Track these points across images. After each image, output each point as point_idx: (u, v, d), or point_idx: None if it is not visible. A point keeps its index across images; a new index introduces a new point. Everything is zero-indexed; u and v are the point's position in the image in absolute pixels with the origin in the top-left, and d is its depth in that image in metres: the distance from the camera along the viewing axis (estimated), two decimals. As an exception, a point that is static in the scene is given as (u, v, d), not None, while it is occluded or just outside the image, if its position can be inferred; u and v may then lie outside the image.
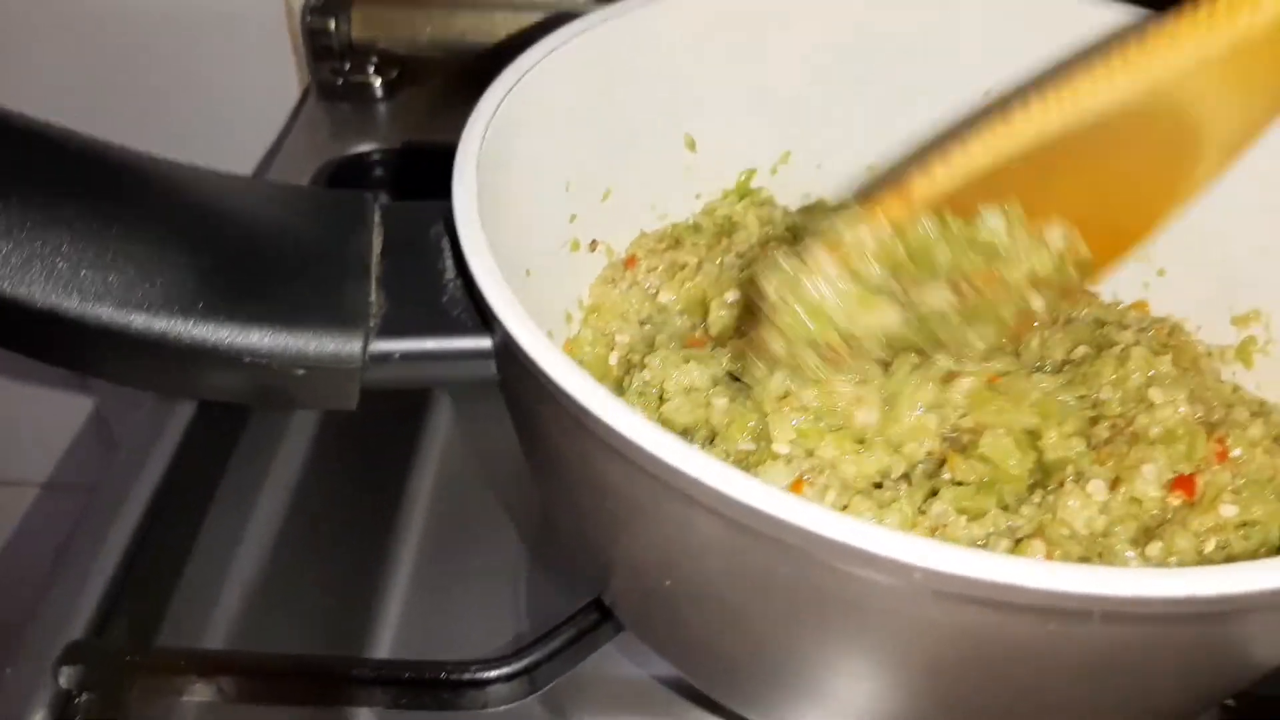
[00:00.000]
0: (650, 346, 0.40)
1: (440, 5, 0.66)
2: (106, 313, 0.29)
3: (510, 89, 0.37)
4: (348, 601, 0.42)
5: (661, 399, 0.35)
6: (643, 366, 0.36)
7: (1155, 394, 0.36)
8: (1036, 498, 0.35)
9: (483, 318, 0.32)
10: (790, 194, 0.47)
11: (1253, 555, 0.33)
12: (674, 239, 0.45)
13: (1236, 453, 0.34)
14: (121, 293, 0.29)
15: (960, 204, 0.34)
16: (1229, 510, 0.33)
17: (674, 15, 0.42)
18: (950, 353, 0.35)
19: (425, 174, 0.33)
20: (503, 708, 0.37)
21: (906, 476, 0.35)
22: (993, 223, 0.34)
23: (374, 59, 0.67)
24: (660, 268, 0.43)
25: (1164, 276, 0.44)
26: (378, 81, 0.67)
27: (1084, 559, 0.33)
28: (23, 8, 0.67)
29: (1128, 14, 0.42)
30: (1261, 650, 0.29)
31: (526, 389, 0.30)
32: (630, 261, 0.44)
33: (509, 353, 0.30)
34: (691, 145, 0.45)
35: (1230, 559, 0.33)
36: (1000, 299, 0.35)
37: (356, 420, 0.41)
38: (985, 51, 0.44)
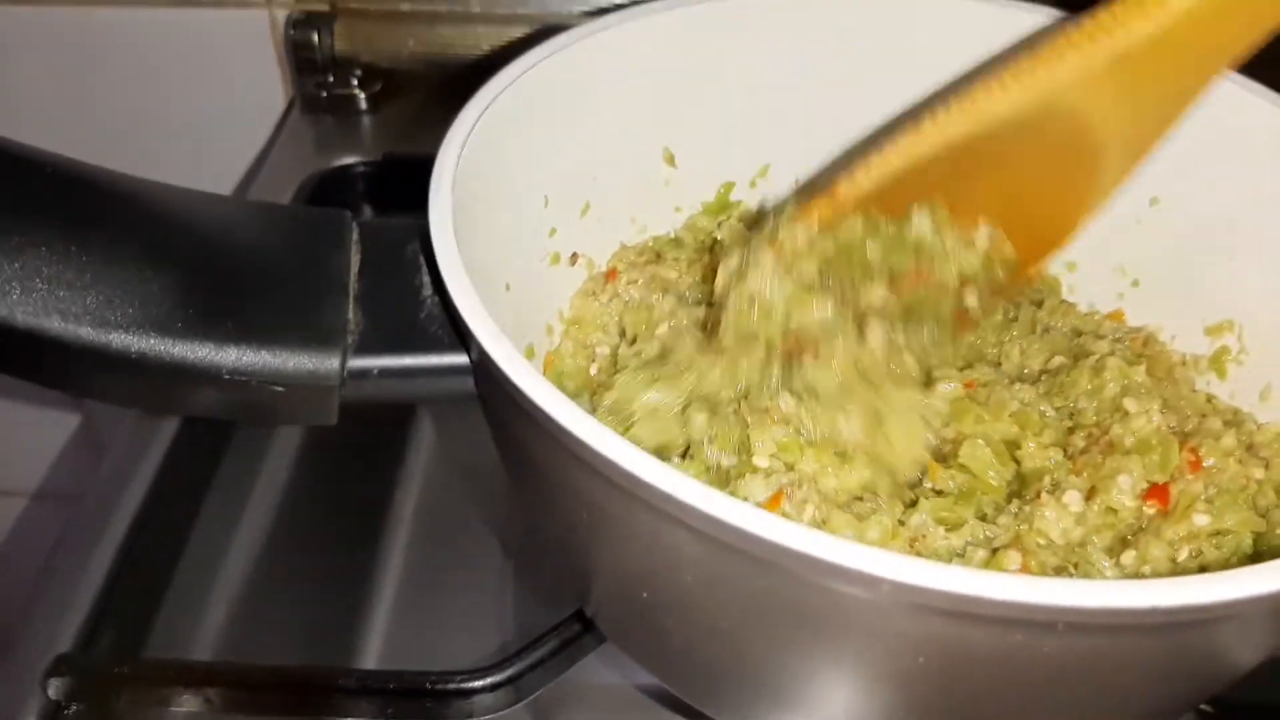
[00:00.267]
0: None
1: (423, 19, 0.66)
2: (86, 333, 0.30)
3: (487, 105, 0.37)
4: (334, 613, 0.42)
5: (628, 422, 0.35)
6: (610, 386, 0.36)
7: (1129, 404, 0.37)
8: (1014, 507, 0.35)
9: (459, 334, 0.33)
10: (768, 207, 0.48)
11: (1225, 564, 0.34)
12: (655, 253, 0.45)
13: (1210, 462, 0.35)
14: (101, 313, 0.30)
15: (889, 205, 0.35)
16: (1202, 519, 0.33)
17: (653, 31, 0.43)
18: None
19: (409, 186, 0.34)
20: (488, 717, 0.38)
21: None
22: (920, 223, 0.35)
23: (358, 72, 0.67)
24: (641, 281, 0.44)
25: (1138, 287, 0.45)
26: (361, 95, 0.67)
27: (1060, 568, 0.34)
28: (6, 23, 0.68)
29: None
30: (1229, 657, 0.29)
31: (503, 405, 0.30)
32: (611, 274, 0.44)
33: (485, 369, 0.30)
34: (671, 159, 0.45)
35: (1203, 568, 0.34)
36: (935, 296, 0.36)
37: (342, 433, 0.42)
38: (963, 65, 0.45)
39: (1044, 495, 0.34)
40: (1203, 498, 0.34)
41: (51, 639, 0.38)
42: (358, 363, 0.32)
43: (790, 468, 0.34)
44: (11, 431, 0.83)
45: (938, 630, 0.26)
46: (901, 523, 0.34)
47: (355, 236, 0.35)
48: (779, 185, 0.47)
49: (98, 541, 0.41)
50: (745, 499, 0.33)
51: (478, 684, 0.37)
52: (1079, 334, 0.43)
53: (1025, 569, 0.33)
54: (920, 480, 0.36)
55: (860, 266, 0.35)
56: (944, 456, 0.36)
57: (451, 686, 0.37)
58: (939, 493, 0.35)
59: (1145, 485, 0.35)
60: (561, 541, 0.35)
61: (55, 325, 0.30)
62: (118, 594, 0.40)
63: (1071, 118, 0.31)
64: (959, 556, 0.34)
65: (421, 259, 0.35)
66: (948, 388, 0.37)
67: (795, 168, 0.47)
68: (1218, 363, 0.42)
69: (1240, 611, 0.25)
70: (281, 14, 0.67)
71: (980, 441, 0.36)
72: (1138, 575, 0.33)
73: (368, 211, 0.61)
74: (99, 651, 0.38)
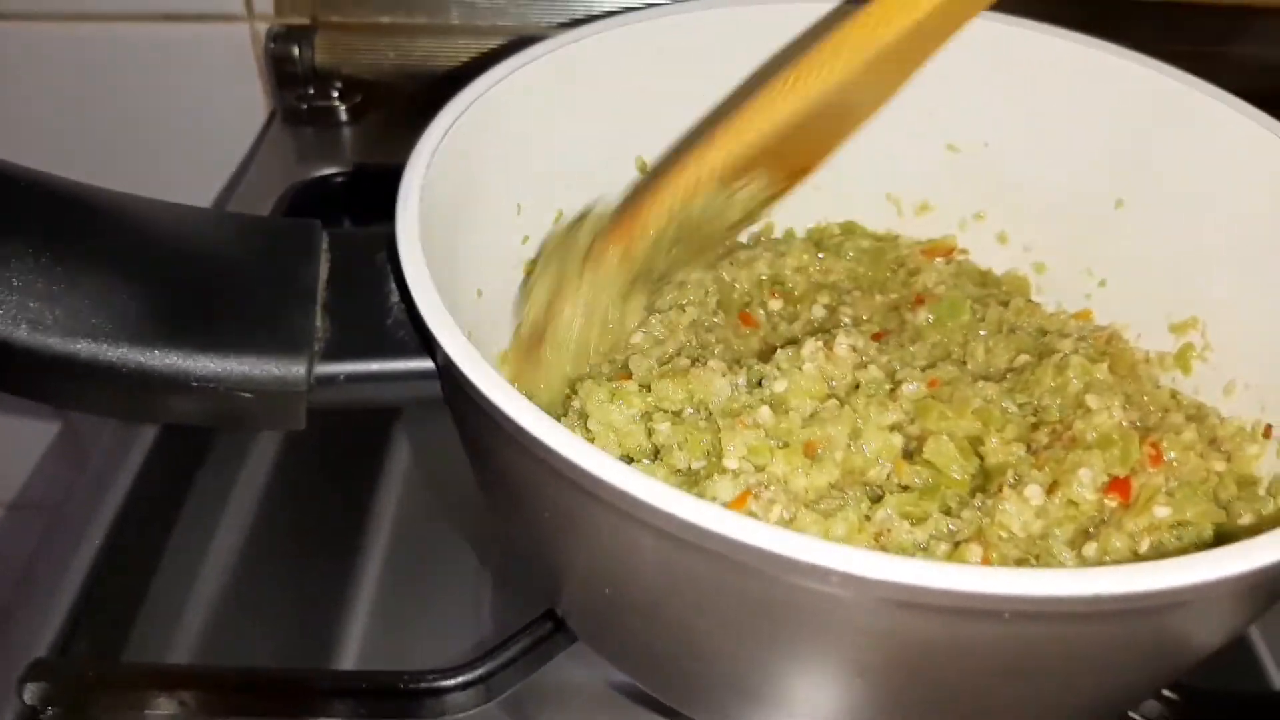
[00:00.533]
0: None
1: (402, 31, 0.67)
2: (55, 342, 0.30)
3: (458, 116, 0.38)
4: (312, 617, 0.43)
5: (590, 432, 0.36)
6: (574, 394, 0.37)
7: (1091, 400, 0.37)
8: (977, 501, 0.35)
9: (424, 339, 0.33)
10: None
11: (1184, 554, 0.34)
12: None
13: (1170, 456, 0.35)
14: (69, 323, 0.30)
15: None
16: (1162, 511, 0.34)
17: (623, 41, 0.43)
18: None
19: (389, 196, 0.34)
20: (461, 715, 0.38)
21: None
22: (694, 205, 0.38)
23: (338, 84, 0.68)
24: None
25: (1105, 287, 0.45)
26: (342, 106, 0.68)
27: (1022, 561, 0.34)
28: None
29: (1062, 40, 0.44)
30: (1182, 643, 0.30)
31: (468, 408, 0.31)
32: None
33: (449, 373, 0.31)
34: (643, 168, 0.46)
35: (1164, 558, 0.34)
36: (712, 242, 0.41)
37: (319, 440, 0.42)
38: (929, 74, 0.45)
39: (1005, 489, 0.35)
40: (1164, 490, 0.34)
41: (29, 644, 0.38)
42: (325, 369, 0.33)
43: (760, 469, 0.35)
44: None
45: (894, 621, 0.27)
46: (868, 518, 0.34)
47: (325, 245, 0.36)
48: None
49: (76, 547, 0.41)
50: (713, 499, 0.33)
51: (449, 683, 0.38)
52: (1044, 333, 0.43)
53: (986, 561, 0.33)
54: (886, 475, 0.36)
55: (661, 259, 0.39)
56: (909, 453, 0.37)
57: (424, 686, 0.37)
58: (904, 488, 0.36)
59: (1106, 479, 0.35)
60: (529, 542, 0.35)
61: (23, 335, 0.30)
62: (96, 599, 0.40)
63: (839, 101, 0.36)
64: (922, 550, 0.34)
65: (389, 267, 0.35)
66: (912, 388, 0.38)
67: (763, 174, 0.48)
68: (1182, 359, 0.43)
69: (1187, 598, 0.25)
70: (263, 27, 0.68)
71: (945, 438, 0.36)
72: (1099, 566, 0.34)
73: (347, 222, 0.62)
74: (76, 656, 0.39)
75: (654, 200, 0.38)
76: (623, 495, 0.26)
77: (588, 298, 0.38)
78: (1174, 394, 0.42)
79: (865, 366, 0.38)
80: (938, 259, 0.47)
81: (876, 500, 0.35)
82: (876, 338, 0.42)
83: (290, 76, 0.67)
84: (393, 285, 0.35)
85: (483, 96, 0.39)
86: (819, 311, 0.45)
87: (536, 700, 0.40)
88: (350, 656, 0.42)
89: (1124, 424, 0.36)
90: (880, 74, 0.37)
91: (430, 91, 0.66)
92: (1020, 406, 0.39)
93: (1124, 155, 0.44)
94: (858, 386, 0.38)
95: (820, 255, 0.47)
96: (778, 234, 0.50)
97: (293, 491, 0.47)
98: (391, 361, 0.34)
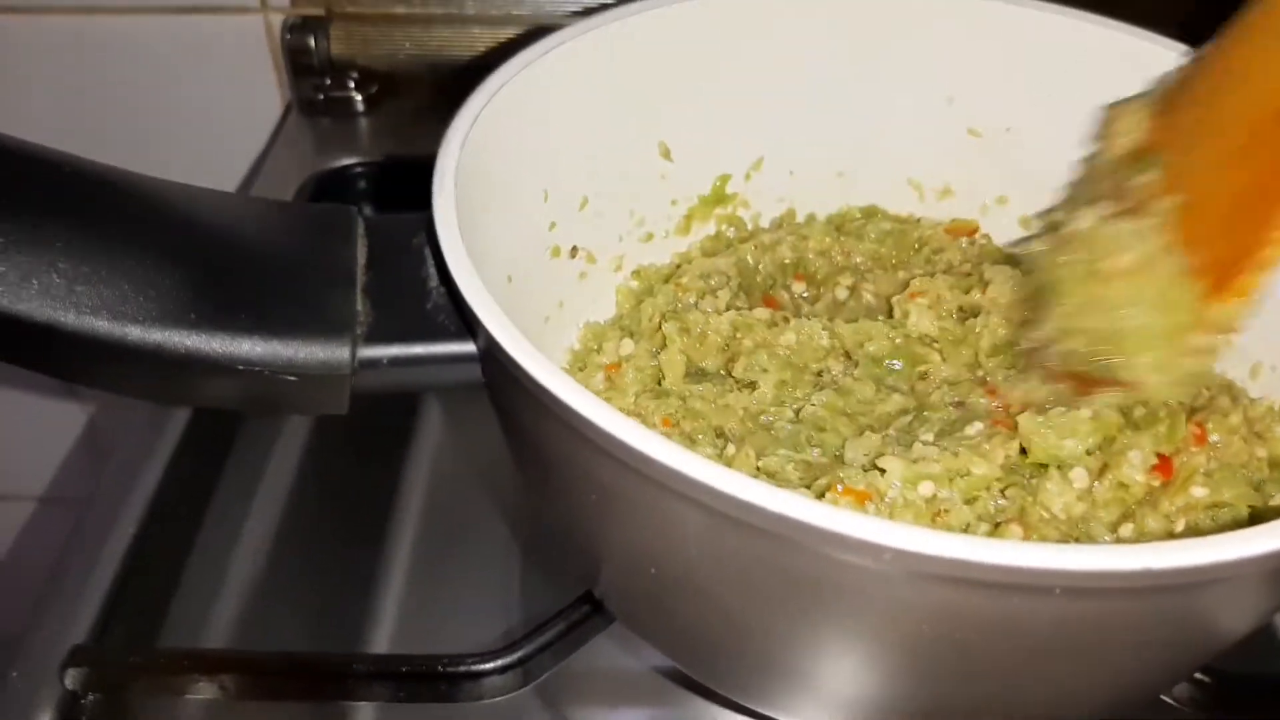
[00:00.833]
0: None
1: (418, 21, 0.67)
2: (103, 326, 0.30)
3: (486, 102, 0.38)
4: (344, 601, 0.43)
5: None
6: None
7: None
8: (1025, 477, 0.36)
9: (466, 323, 0.33)
10: (764, 199, 0.49)
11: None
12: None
13: (1215, 438, 0.36)
14: (116, 306, 0.30)
15: None
16: (1200, 492, 0.34)
17: (645, 27, 0.43)
18: None
19: (406, 186, 0.34)
20: (498, 699, 0.38)
21: None
22: None
23: (354, 75, 0.68)
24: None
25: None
26: (358, 97, 0.68)
27: (1061, 542, 0.34)
28: (6, 32, 0.68)
29: (1083, 24, 0.44)
30: (1220, 623, 0.30)
31: (510, 391, 0.31)
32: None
33: (492, 356, 0.31)
34: (667, 153, 0.46)
35: (1201, 538, 0.35)
36: None
37: (349, 423, 0.43)
38: (950, 59, 0.46)
39: (1051, 469, 0.35)
40: (1203, 471, 0.35)
41: (67, 631, 0.38)
42: (368, 352, 0.33)
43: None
44: (17, 436, 0.84)
45: (938, 598, 0.27)
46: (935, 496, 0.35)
47: (361, 230, 0.36)
48: (772, 177, 0.48)
49: (110, 535, 0.41)
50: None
51: (487, 666, 0.38)
52: None
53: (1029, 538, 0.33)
54: None
55: None
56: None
57: (462, 669, 0.38)
58: None
59: (1155, 460, 0.35)
60: (569, 524, 0.35)
61: (71, 319, 0.30)
62: (131, 586, 0.41)
63: None
64: (965, 530, 0.34)
65: (427, 251, 0.36)
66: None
67: (789, 161, 0.48)
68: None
69: (1228, 574, 0.26)
70: (278, 19, 0.68)
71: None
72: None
73: (368, 211, 0.62)
74: (114, 642, 0.39)
75: None
76: (673, 473, 0.26)
77: None
78: (1230, 383, 0.42)
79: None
80: (961, 239, 0.47)
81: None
82: None
83: (306, 68, 0.67)
84: (431, 269, 0.35)
85: (510, 82, 0.39)
86: (842, 293, 0.46)
87: (572, 683, 0.40)
88: (382, 640, 0.42)
89: (1171, 401, 0.36)
90: None
91: (447, 81, 0.67)
92: None
93: (1146, 139, 0.44)
94: None
95: (842, 238, 0.47)
96: (799, 220, 0.50)
97: (323, 476, 0.47)
98: (434, 345, 0.34)
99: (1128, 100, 0.36)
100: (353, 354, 0.33)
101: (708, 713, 0.40)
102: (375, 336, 0.33)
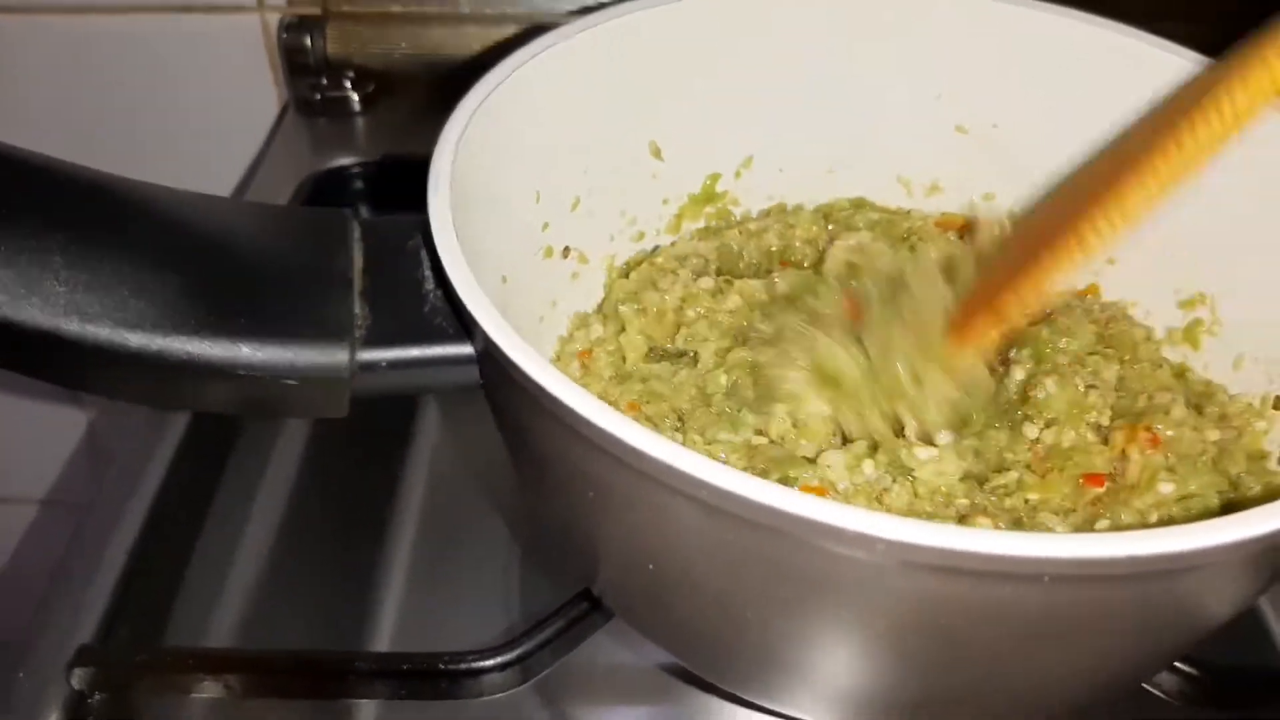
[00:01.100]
0: None
1: (414, 20, 0.67)
2: (104, 332, 0.31)
3: (480, 103, 0.38)
4: (345, 600, 0.43)
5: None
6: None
7: (1069, 436, 0.38)
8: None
9: (463, 325, 0.34)
10: (754, 197, 0.49)
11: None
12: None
13: (1169, 434, 0.37)
14: (117, 313, 0.31)
15: None
16: (1167, 488, 0.35)
17: (636, 28, 0.44)
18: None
19: (403, 185, 0.35)
20: (498, 695, 0.39)
21: None
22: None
23: (350, 74, 0.68)
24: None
25: (1114, 264, 0.46)
26: (354, 96, 0.68)
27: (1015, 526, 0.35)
28: (4, 31, 0.68)
29: (1070, 20, 0.44)
30: (1201, 609, 0.31)
31: (508, 391, 0.31)
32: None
33: (490, 357, 0.31)
34: (657, 153, 0.46)
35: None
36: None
37: (348, 425, 0.43)
38: (937, 56, 0.46)
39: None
40: (1164, 468, 0.36)
41: (72, 631, 0.39)
42: (366, 355, 0.34)
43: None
44: (19, 440, 0.84)
45: (932, 588, 0.27)
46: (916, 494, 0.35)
47: (357, 234, 0.37)
48: (762, 175, 0.49)
49: (113, 537, 0.42)
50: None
51: (487, 663, 0.38)
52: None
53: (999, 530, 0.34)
54: None
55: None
56: None
57: (462, 666, 0.38)
58: None
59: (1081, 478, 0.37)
60: (566, 522, 0.36)
61: (73, 326, 0.31)
62: (135, 586, 0.41)
63: None
64: (907, 511, 0.35)
65: (423, 253, 0.36)
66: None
67: (779, 159, 0.48)
68: (1191, 335, 0.43)
69: (1209, 560, 0.26)
70: (274, 18, 0.68)
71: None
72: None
73: (365, 211, 0.63)
74: (119, 642, 0.39)
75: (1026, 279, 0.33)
76: (668, 469, 0.26)
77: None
78: (1182, 372, 0.43)
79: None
80: (950, 232, 0.47)
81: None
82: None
83: (302, 67, 0.67)
84: (427, 271, 0.36)
85: (505, 82, 0.39)
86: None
87: (572, 680, 0.40)
88: (384, 638, 0.42)
89: (1083, 439, 0.37)
90: None
91: (442, 80, 0.67)
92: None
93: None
94: None
95: (830, 226, 0.48)
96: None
97: (324, 476, 0.48)
98: (431, 347, 0.34)
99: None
100: (351, 357, 0.33)
101: (707, 707, 0.40)
102: (373, 340, 0.34)
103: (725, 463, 0.37)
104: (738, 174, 0.48)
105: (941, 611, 0.28)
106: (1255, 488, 0.37)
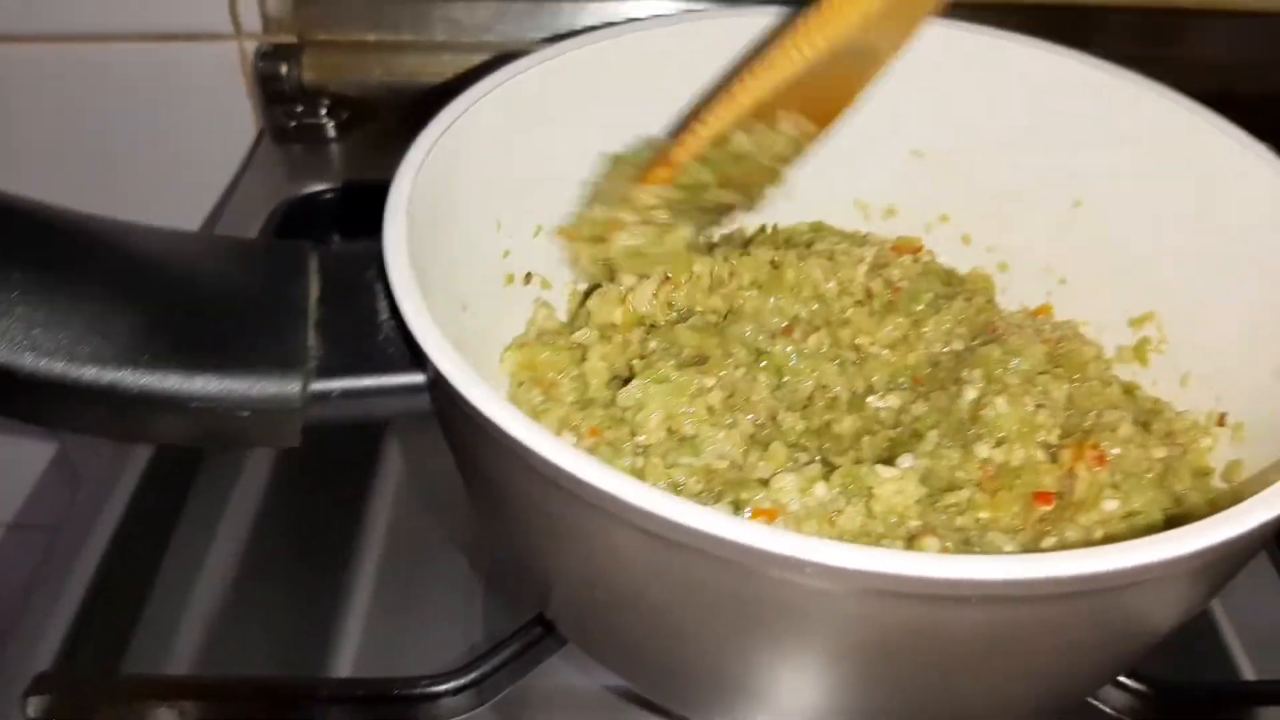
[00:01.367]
0: None
1: (389, 48, 0.68)
2: (59, 368, 0.32)
3: (441, 133, 0.39)
4: (308, 627, 0.44)
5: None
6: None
7: (1018, 455, 0.38)
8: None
9: (414, 354, 0.35)
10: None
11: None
12: None
13: (1115, 452, 0.37)
14: (72, 348, 0.32)
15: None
16: (1111, 505, 0.36)
17: (598, 59, 0.45)
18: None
19: (378, 212, 0.35)
20: (457, 719, 0.39)
21: None
22: (738, 139, 0.41)
23: (325, 101, 0.69)
24: None
25: (1065, 284, 0.47)
26: (330, 123, 0.69)
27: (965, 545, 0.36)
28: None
29: (1023, 47, 0.45)
30: (1132, 626, 0.31)
31: (457, 419, 0.32)
32: None
33: (439, 386, 0.32)
34: (622, 177, 0.47)
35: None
36: (761, 179, 0.43)
37: (313, 451, 0.43)
38: (894, 82, 0.46)
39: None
40: (1110, 485, 0.36)
41: (31, 658, 0.39)
42: (319, 386, 0.34)
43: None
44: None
45: (871, 610, 0.28)
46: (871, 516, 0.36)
47: (315, 265, 0.37)
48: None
49: (75, 562, 0.42)
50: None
51: (442, 688, 0.39)
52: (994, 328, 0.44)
53: (945, 551, 0.35)
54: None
55: (702, 192, 0.42)
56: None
57: (417, 691, 0.39)
58: None
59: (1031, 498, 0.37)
60: (518, 547, 0.36)
61: (29, 361, 0.31)
62: (96, 613, 0.41)
63: (857, 47, 0.39)
64: (859, 530, 0.36)
65: (379, 284, 0.37)
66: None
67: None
68: (1140, 353, 0.44)
69: (1146, 576, 0.27)
70: (250, 46, 0.69)
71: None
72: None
73: (337, 238, 0.63)
74: (78, 669, 0.40)
75: (693, 133, 0.41)
76: (607, 497, 0.27)
77: (640, 216, 0.42)
78: (1131, 390, 0.43)
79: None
80: (906, 255, 0.48)
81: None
82: None
83: (278, 94, 0.68)
84: (383, 302, 0.36)
85: (466, 113, 0.40)
86: None
87: (529, 703, 0.41)
88: (346, 664, 0.42)
89: (1032, 459, 0.38)
90: (894, 20, 0.39)
91: (417, 107, 0.67)
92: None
93: (1082, 156, 0.45)
94: None
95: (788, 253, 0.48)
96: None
97: (287, 503, 0.48)
98: (383, 377, 0.35)
99: None
100: (304, 388, 0.34)
101: (662, 730, 0.41)
102: (326, 370, 0.34)
103: (684, 486, 0.38)
104: (697, 200, 0.49)
105: (882, 633, 0.29)
106: (1199, 504, 0.38)
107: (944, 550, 0.34)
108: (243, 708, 0.38)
